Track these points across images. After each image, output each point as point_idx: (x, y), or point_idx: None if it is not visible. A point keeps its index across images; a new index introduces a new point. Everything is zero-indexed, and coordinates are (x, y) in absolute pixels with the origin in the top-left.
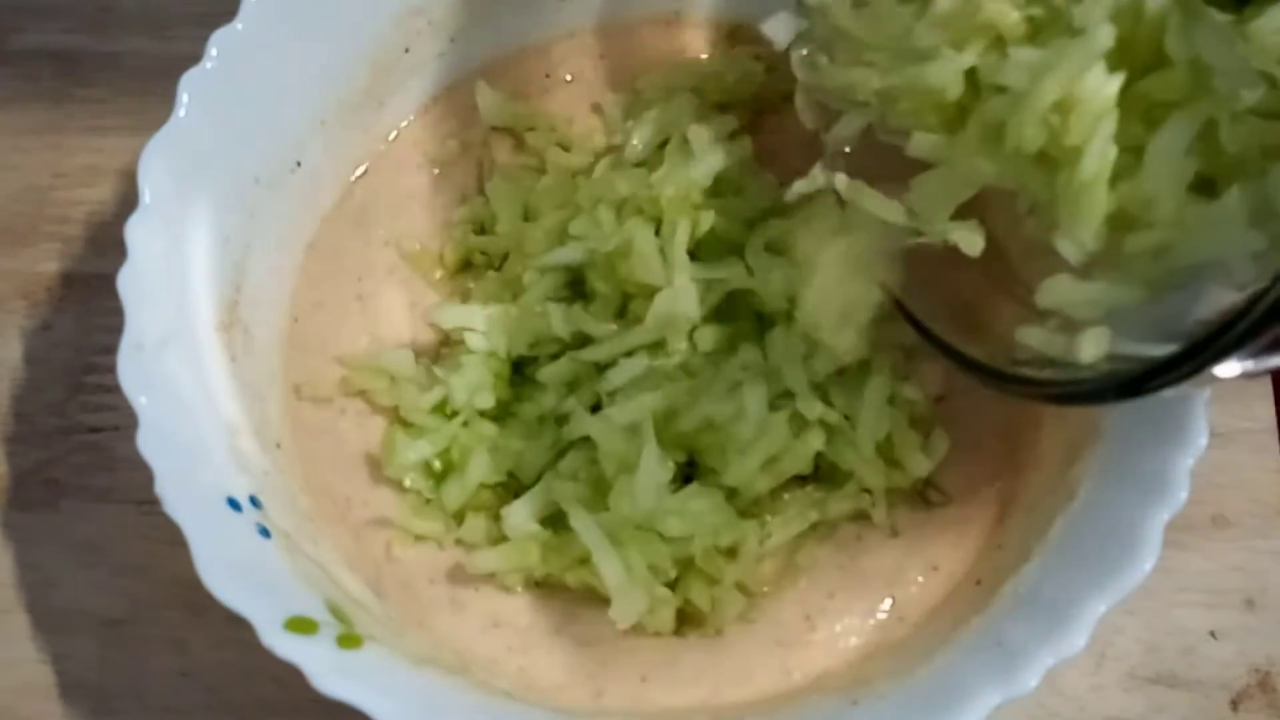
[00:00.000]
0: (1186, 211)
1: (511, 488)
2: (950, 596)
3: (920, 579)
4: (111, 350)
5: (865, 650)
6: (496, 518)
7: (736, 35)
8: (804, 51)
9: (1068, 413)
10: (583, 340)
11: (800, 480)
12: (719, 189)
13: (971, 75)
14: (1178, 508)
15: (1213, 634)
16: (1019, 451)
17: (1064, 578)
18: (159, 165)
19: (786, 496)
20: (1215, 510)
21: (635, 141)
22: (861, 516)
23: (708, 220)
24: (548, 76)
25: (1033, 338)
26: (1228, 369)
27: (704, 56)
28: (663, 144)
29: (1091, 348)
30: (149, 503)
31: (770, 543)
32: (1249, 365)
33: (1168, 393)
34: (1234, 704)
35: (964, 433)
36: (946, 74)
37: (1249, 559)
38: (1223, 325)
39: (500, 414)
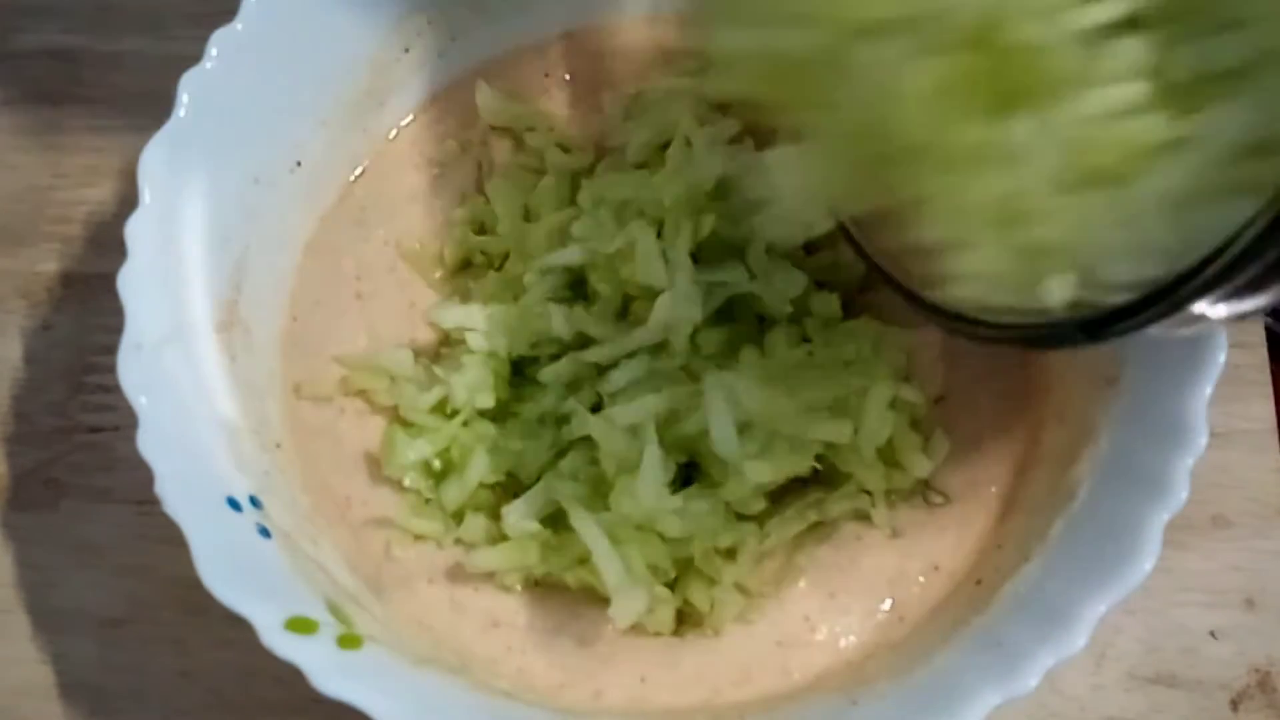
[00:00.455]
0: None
1: (511, 488)
2: (950, 596)
3: (920, 579)
4: (111, 350)
5: (865, 650)
6: (496, 517)
7: None
8: None
9: (1067, 412)
10: (584, 341)
11: (800, 481)
12: (721, 192)
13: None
14: (1178, 508)
15: (1213, 634)
16: (1019, 452)
17: (1064, 578)
18: (159, 165)
19: (786, 497)
20: (1215, 510)
21: (635, 143)
22: (862, 516)
23: (709, 223)
24: (547, 76)
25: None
26: (1215, 310)
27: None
28: (663, 145)
29: (1058, 293)
30: (149, 503)
31: (769, 543)
32: (1227, 308)
33: (1154, 330)
34: (1234, 704)
35: (964, 433)
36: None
37: (1249, 559)
38: (1197, 266)
39: (500, 414)
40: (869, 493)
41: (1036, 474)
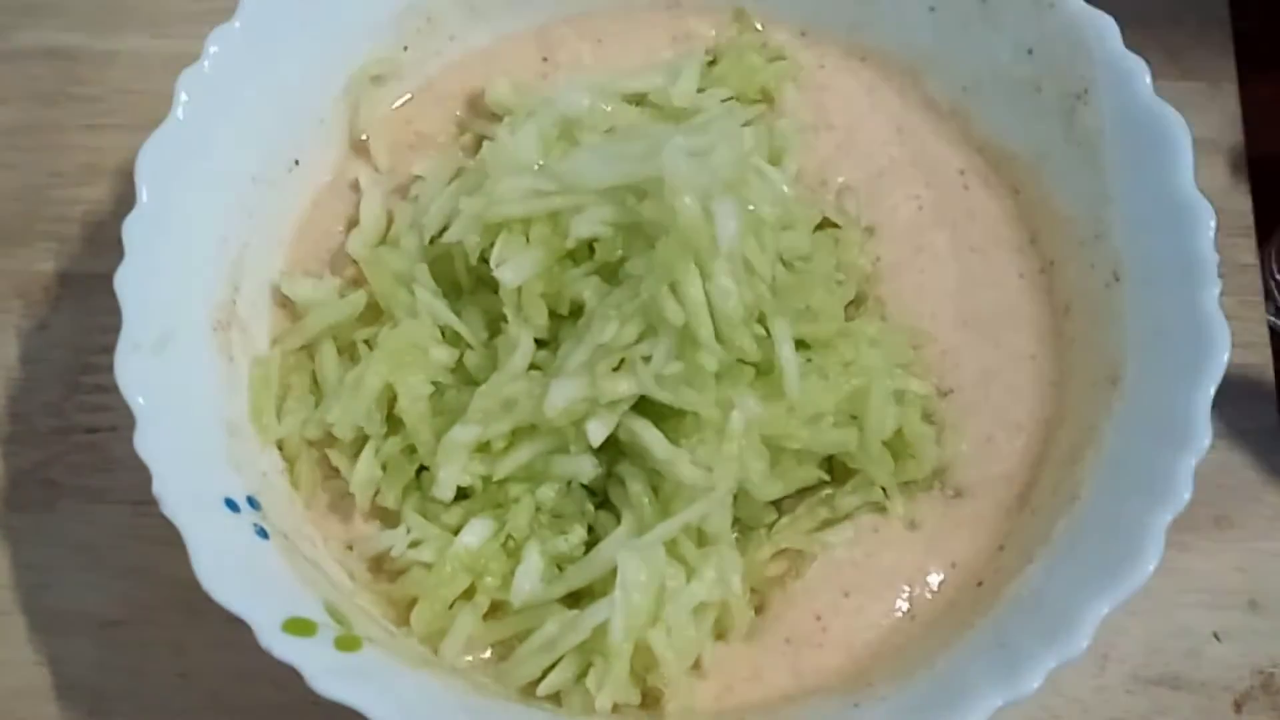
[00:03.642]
0: None
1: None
2: (960, 597)
3: (938, 577)
4: (109, 350)
5: (873, 649)
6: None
7: (740, 20)
8: None
9: (1070, 413)
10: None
11: None
12: None
13: None
14: (1180, 508)
15: (1216, 635)
16: (1034, 449)
17: (1067, 579)
18: (156, 164)
19: (798, 493)
20: (1218, 511)
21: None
22: (879, 509)
23: None
24: (545, 60)
25: None
26: None
27: (708, 45)
28: None
29: None
30: (147, 504)
31: (779, 540)
32: None
33: None
34: (1237, 705)
35: (979, 429)
36: None
37: (1252, 560)
38: None
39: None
40: (883, 488)
41: (1045, 472)
